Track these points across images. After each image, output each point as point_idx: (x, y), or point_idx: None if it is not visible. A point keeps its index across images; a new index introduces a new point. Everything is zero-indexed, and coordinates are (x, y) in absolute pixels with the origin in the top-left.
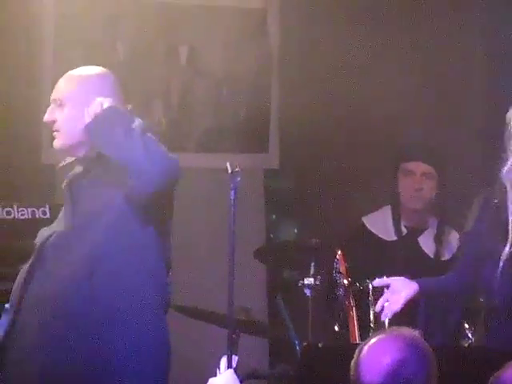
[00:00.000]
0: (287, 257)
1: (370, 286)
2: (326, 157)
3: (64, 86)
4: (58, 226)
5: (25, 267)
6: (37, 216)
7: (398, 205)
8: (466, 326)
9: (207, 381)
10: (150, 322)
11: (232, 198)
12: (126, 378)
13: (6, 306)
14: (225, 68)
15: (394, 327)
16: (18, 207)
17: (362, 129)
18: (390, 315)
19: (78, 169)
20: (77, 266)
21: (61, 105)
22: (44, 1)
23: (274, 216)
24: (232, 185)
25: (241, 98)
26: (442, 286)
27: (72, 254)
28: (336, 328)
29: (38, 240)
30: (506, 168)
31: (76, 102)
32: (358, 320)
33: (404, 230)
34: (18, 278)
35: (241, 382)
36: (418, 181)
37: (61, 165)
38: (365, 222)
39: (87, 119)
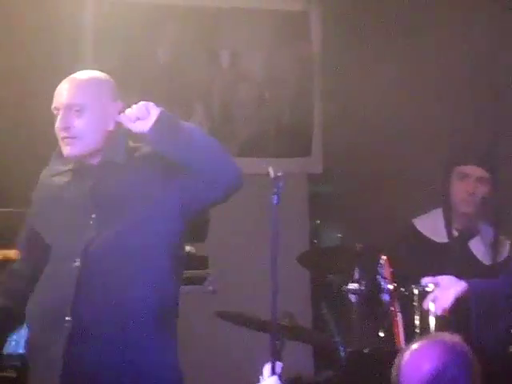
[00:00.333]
0: (331, 262)
1: (416, 291)
2: (370, 160)
3: (81, 92)
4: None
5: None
6: None
7: (449, 208)
8: None
9: None
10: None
11: (275, 202)
12: None
13: None
14: (266, 72)
15: (437, 332)
16: None
17: (406, 131)
18: (439, 312)
19: (100, 174)
20: (131, 270)
21: (79, 110)
22: (85, 3)
23: (317, 221)
24: (275, 190)
25: (283, 102)
26: (492, 288)
27: (124, 258)
28: (381, 333)
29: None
30: None
31: (96, 108)
32: (403, 325)
33: (455, 233)
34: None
35: None
36: (472, 185)
37: (53, 172)
38: (415, 224)
39: (110, 125)
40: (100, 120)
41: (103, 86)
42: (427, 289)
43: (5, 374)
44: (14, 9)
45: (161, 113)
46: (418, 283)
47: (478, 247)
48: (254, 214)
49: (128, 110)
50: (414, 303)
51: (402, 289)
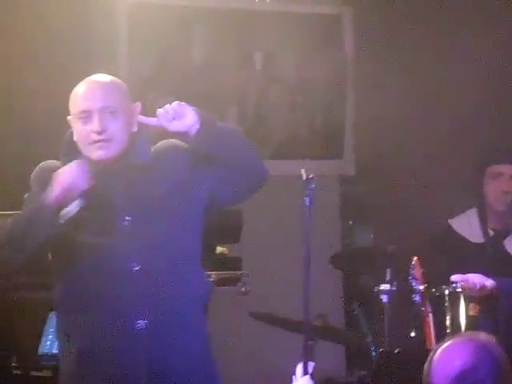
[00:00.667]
0: (363, 263)
1: (447, 292)
2: (401, 161)
3: (113, 94)
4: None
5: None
6: None
7: (484, 207)
8: None
9: None
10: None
11: (307, 204)
12: None
13: None
14: (300, 74)
15: (470, 332)
16: None
17: (439, 132)
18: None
19: (129, 176)
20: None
21: (113, 112)
22: (119, 6)
23: (349, 222)
24: (307, 191)
25: (315, 104)
26: None
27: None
28: (412, 334)
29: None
30: None
31: (125, 110)
32: (434, 326)
33: (491, 233)
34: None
35: None
36: (506, 183)
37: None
38: (451, 224)
39: (135, 127)
40: (128, 122)
41: (124, 88)
42: (458, 289)
43: (40, 373)
44: (49, 11)
45: (199, 112)
46: (449, 284)
47: None
48: (287, 215)
49: (163, 110)
50: (446, 304)
51: (433, 289)
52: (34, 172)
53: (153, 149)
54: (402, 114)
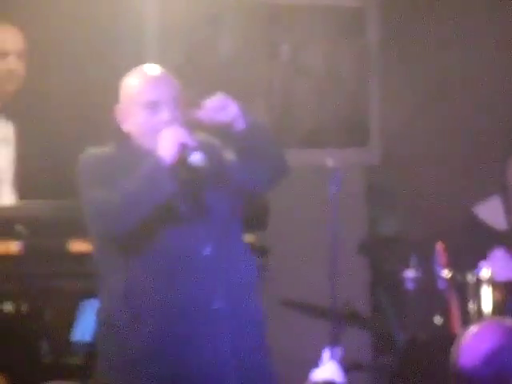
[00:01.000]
0: (389, 250)
1: (471, 278)
2: (427, 150)
3: (174, 86)
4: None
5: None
6: None
7: (507, 194)
8: None
9: (311, 373)
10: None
11: (334, 192)
12: None
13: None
14: (325, 64)
15: (496, 316)
16: None
17: (463, 119)
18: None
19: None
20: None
21: (176, 104)
22: (147, 0)
23: (375, 210)
24: (333, 179)
25: (341, 94)
26: None
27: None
28: (437, 320)
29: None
30: None
31: (180, 102)
32: (459, 312)
33: None
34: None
35: (344, 373)
36: None
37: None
38: (476, 211)
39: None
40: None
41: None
42: (482, 276)
43: (72, 361)
44: (78, 5)
45: (239, 106)
46: (474, 270)
47: None
48: (314, 203)
49: (210, 101)
50: (471, 290)
51: (458, 276)
52: (83, 161)
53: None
54: (427, 103)
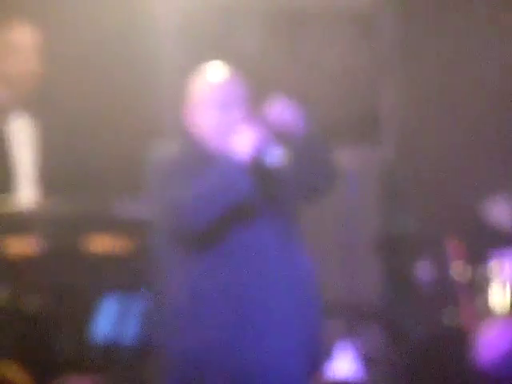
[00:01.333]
0: (404, 245)
1: (485, 272)
2: (442, 146)
3: (243, 86)
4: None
5: None
6: None
7: None
8: None
9: (328, 366)
10: None
11: (349, 190)
12: None
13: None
14: (342, 63)
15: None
16: None
17: (480, 116)
18: None
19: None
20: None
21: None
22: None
23: (389, 206)
24: (348, 177)
25: (357, 91)
26: None
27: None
28: (452, 314)
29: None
30: None
31: None
32: (473, 308)
33: None
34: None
35: (359, 368)
36: None
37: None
38: (485, 209)
39: None
40: None
41: None
42: (493, 271)
43: (88, 359)
44: (100, 8)
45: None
46: (486, 265)
47: None
48: (330, 201)
49: (275, 104)
50: (484, 286)
51: (471, 270)
52: (154, 161)
53: None
54: (443, 102)
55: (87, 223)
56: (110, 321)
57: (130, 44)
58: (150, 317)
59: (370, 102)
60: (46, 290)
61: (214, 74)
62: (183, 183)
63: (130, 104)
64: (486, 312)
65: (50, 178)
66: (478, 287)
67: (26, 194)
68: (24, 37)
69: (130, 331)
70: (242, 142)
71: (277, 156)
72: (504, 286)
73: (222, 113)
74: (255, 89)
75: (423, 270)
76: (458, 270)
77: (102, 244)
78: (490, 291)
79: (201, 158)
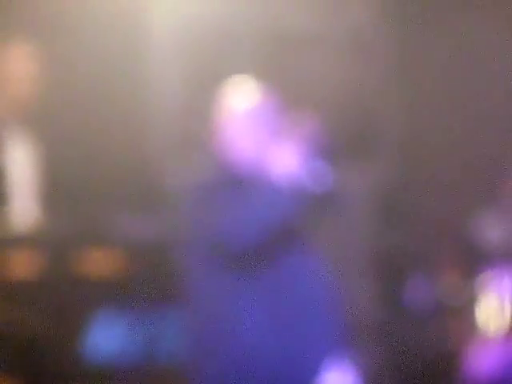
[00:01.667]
0: (399, 263)
1: (477, 286)
2: (433, 163)
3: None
4: None
5: None
6: None
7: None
8: None
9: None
10: None
11: (344, 206)
12: None
13: None
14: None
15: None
16: None
17: (473, 132)
18: None
19: None
20: None
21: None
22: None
23: (383, 223)
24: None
25: (355, 106)
26: None
27: None
28: (442, 332)
29: None
30: None
31: None
32: (464, 324)
33: None
34: None
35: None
36: None
37: None
38: (474, 224)
39: None
40: None
41: None
42: (484, 289)
43: (80, 373)
44: (102, 18)
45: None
46: (476, 283)
47: None
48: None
49: (311, 164)
50: (477, 298)
51: (461, 288)
52: (186, 189)
53: None
54: (435, 118)
55: (85, 239)
56: (109, 340)
57: (128, 62)
58: (161, 336)
59: (364, 119)
60: (42, 308)
61: (243, 93)
62: (222, 207)
63: (129, 121)
64: (475, 330)
65: (48, 194)
66: (468, 305)
67: (23, 209)
68: (23, 54)
69: (131, 350)
70: (284, 161)
71: (321, 176)
72: (494, 304)
73: (257, 133)
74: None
75: (413, 288)
76: (448, 287)
77: (98, 261)
78: (480, 309)
79: (237, 181)
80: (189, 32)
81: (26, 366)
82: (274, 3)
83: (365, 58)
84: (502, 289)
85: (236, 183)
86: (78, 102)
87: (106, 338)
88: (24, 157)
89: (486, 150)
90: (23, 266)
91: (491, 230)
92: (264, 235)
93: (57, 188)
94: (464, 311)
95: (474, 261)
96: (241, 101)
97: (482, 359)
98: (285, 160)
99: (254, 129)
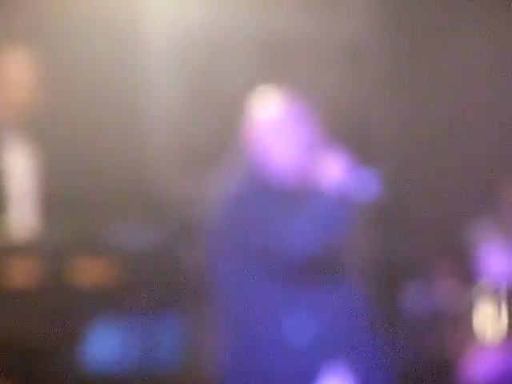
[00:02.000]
0: (397, 274)
1: (476, 295)
2: (429, 171)
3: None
4: None
5: None
6: None
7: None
8: None
9: None
10: None
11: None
12: None
13: None
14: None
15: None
16: None
17: (470, 140)
18: None
19: None
20: None
21: None
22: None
23: (380, 233)
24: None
25: (344, 115)
26: None
27: None
28: (439, 340)
29: None
30: None
31: None
32: (462, 331)
33: None
34: None
35: None
36: None
37: None
38: (471, 232)
39: None
40: None
41: None
42: (481, 297)
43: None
44: (98, 35)
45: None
46: (474, 290)
47: None
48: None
49: (359, 171)
50: (474, 306)
51: (459, 296)
52: (236, 200)
53: None
54: (430, 126)
55: (82, 248)
56: (106, 348)
57: (128, 69)
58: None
59: (360, 126)
60: (38, 316)
61: (273, 103)
62: (266, 219)
63: (128, 130)
64: (473, 338)
65: (46, 203)
66: (466, 313)
67: (20, 218)
68: (22, 60)
69: (127, 359)
70: (331, 170)
71: (368, 183)
72: (491, 312)
73: (297, 143)
74: None
75: (411, 295)
76: (446, 295)
77: (95, 270)
78: (477, 317)
79: (278, 192)
80: (188, 39)
81: (22, 375)
82: (273, 9)
83: (362, 67)
84: (498, 297)
85: (277, 194)
86: (76, 109)
87: (102, 346)
88: (21, 165)
89: (483, 157)
90: (20, 274)
91: (488, 237)
92: (316, 247)
93: (54, 197)
94: (461, 319)
95: (472, 269)
96: (272, 110)
97: (479, 367)
98: (332, 169)
99: (290, 138)
